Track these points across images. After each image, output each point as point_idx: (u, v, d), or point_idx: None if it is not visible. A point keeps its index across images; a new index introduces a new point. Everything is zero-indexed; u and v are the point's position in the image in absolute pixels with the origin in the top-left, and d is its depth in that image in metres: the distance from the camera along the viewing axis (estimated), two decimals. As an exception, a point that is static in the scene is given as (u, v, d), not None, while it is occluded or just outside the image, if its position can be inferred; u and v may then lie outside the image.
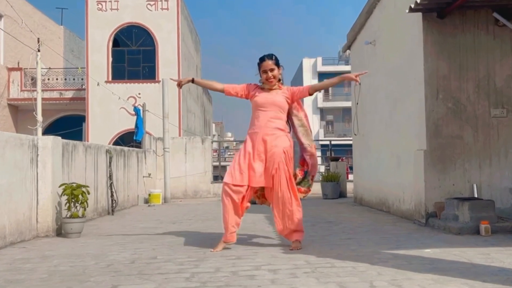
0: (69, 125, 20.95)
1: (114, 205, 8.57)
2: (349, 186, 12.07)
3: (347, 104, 35.65)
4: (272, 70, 4.65)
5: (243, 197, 4.60)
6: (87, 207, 6.04)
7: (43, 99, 11.88)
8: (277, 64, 4.70)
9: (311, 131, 4.94)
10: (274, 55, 4.74)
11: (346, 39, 10.84)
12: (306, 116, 4.93)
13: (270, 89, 4.72)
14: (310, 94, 4.79)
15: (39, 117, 9.56)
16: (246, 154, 4.60)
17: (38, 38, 10.67)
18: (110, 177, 8.57)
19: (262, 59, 4.69)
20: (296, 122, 4.84)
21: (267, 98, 4.67)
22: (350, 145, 11.17)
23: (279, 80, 4.75)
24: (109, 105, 19.98)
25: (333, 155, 15.23)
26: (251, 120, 4.76)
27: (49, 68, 21.80)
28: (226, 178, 4.60)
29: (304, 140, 4.83)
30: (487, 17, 6.22)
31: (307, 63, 45.20)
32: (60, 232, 5.91)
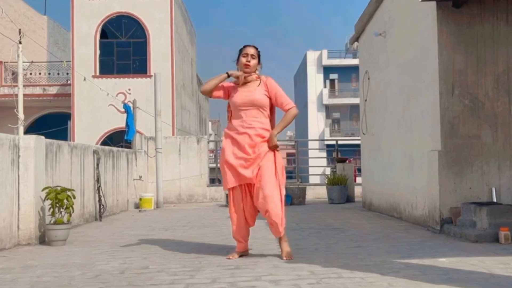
0: (53, 124, 20.97)
1: (102, 210, 8.58)
2: (357, 190, 12.08)
3: (355, 100, 35.67)
4: (252, 57, 4.74)
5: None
6: (73, 212, 6.04)
7: (24, 95, 11.91)
8: (258, 57, 4.81)
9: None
10: (259, 49, 4.85)
11: (354, 30, 10.84)
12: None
13: (246, 82, 4.73)
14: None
15: (21, 115, 9.58)
16: (231, 156, 4.64)
17: (20, 29, 10.70)
18: (98, 180, 8.58)
19: (245, 46, 4.82)
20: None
21: (245, 96, 4.68)
22: (358, 145, 11.17)
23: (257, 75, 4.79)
24: (97, 102, 20.00)
25: (339, 156, 15.23)
26: (234, 118, 4.76)
27: (32, 61, 21.83)
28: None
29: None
30: (507, 6, 6.23)
31: (312, 56, 45.04)
32: (43, 239, 5.91)
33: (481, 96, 6.24)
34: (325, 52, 45.17)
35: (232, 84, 4.83)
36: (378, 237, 5.96)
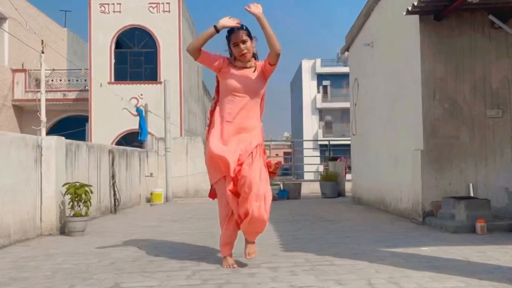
0: (72, 126, 20.92)
1: (116, 204, 8.56)
2: (348, 186, 12.06)
3: (346, 105, 35.54)
4: (244, 42, 3.75)
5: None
6: (90, 206, 6.03)
7: (47, 100, 11.89)
8: (249, 35, 3.79)
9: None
10: (245, 26, 3.79)
11: (344, 41, 10.83)
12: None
13: (244, 67, 3.82)
14: (272, 64, 3.81)
15: (43, 118, 9.57)
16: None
17: (42, 40, 10.68)
18: (113, 176, 8.57)
19: (230, 31, 3.77)
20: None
21: (243, 82, 3.78)
22: (349, 145, 11.16)
23: (254, 55, 3.87)
24: (112, 106, 19.95)
25: (331, 155, 15.22)
26: (222, 104, 3.83)
27: (53, 69, 21.81)
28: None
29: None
30: (483, 19, 6.22)
31: (306, 64, 45.10)
32: (63, 230, 5.91)
33: (460, 101, 6.23)
34: (318, 61, 45.19)
35: (227, 59, 3.86)
36: (366, 228, 5.95)
